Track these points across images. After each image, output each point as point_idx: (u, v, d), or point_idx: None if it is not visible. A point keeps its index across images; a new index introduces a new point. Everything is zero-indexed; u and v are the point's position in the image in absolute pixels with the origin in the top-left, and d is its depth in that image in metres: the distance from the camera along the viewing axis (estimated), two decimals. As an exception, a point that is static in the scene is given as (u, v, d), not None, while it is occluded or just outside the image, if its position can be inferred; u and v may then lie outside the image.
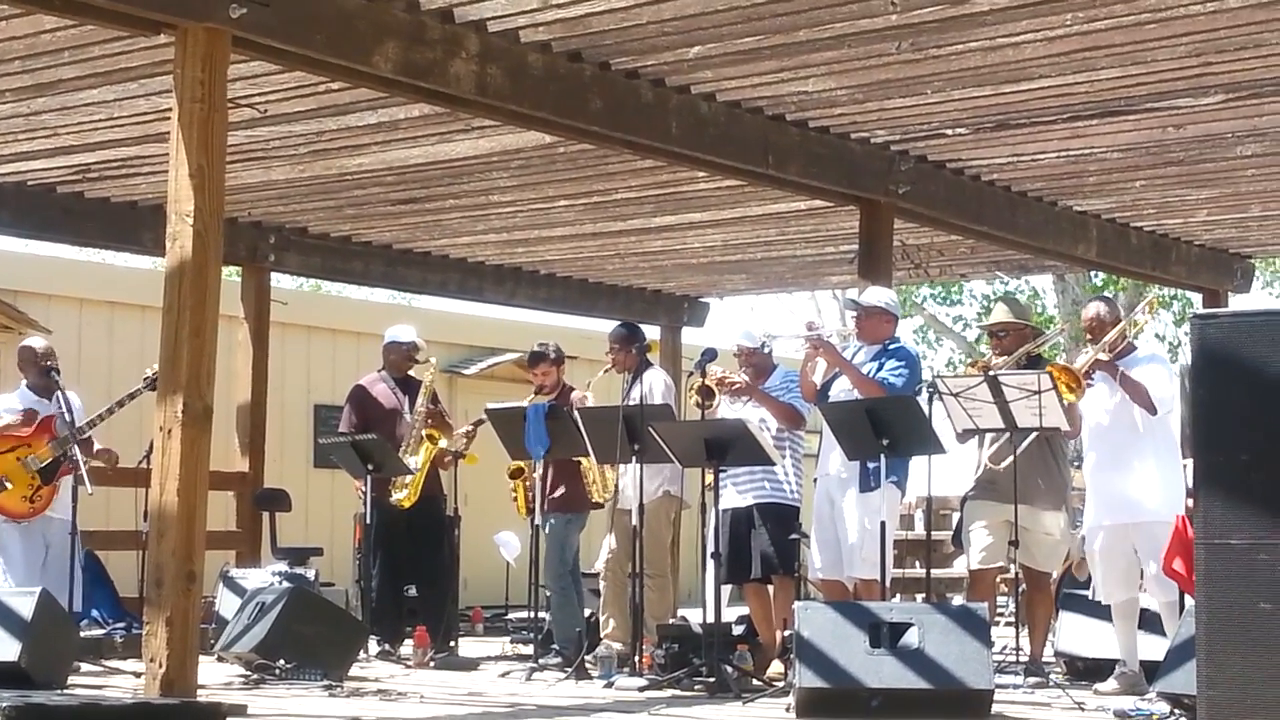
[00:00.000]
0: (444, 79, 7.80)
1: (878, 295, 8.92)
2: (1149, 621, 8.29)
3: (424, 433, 10.29)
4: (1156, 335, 25.53)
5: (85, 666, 8.85)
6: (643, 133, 8.80)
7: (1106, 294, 23.28)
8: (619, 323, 10.31)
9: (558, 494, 9.81)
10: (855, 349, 8.80)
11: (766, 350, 9.19)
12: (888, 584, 8.05)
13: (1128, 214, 12.00)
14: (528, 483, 9.95)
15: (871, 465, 8.14)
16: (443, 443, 10.35)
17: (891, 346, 8.68)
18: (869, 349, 8.71)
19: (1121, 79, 8.55)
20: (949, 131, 9.60)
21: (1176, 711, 6.84)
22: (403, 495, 10.24)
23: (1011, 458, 8.40)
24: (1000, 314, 9.34)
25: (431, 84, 7.86)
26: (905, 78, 8.54)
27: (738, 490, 8.94)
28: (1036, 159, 10.23)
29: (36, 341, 9.85)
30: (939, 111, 9.20)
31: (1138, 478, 8.13)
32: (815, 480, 8.75)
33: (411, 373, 10.83)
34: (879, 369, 8.52)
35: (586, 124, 8.59)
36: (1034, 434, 8.45)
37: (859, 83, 8.66)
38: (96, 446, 9.49)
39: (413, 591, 10.32)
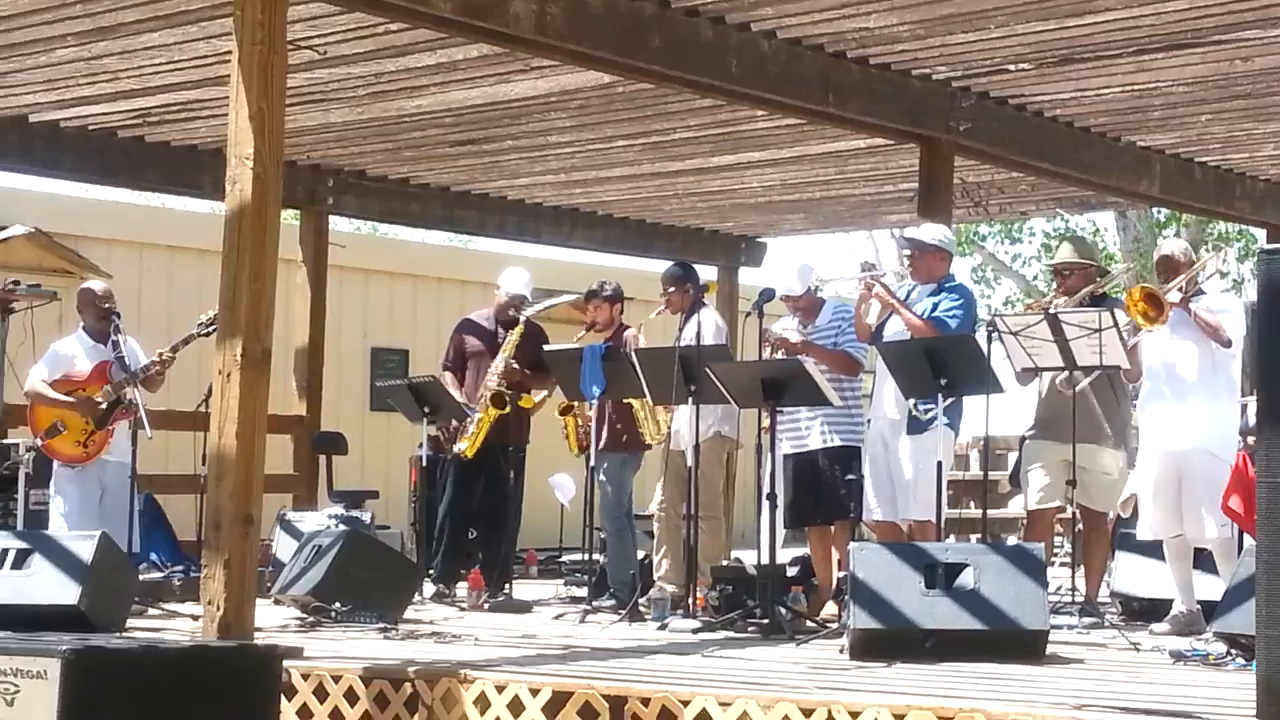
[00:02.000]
0: (503, 18, 7.77)
1: (932, 232, 8.79)
2: (1204, 561, 8.21)
3: (493, 391, 10.21)
4: (1220, 273, 25.24)
5: (144, 609, 8.92)
6: (702, 71, 8.73)
7: (1174, 234, 23.10)
8: (672, 262, 10.25)
9: (613, 435, 9.79)
10: (910, 287, 8.71)
11: (815, 290, 9.11)
12: (942, 525, 8.01)
13: (1192, 149, 11.84)
14: (579, 419, 9.93)
15: (922, 407, 8.08)
16: (511, 403, 10.28)
17: (947, 285, 8.60)
18: (924, 288, 8.62)
19: (1188, 10, 8.41)
20: (1012, 67, 9.48)
21: (1233, 652, 6.77)
22: (464, 446, 10.20)
23: (1085, 381, 8.32)
24: (1065, 253, 9.22)
25: (491, 24, 7.82)
26: (968, 12, 8.43)
27: (799, 437, 8.90)
28: (1100, 94, 10.09)
29: (96, 284, 9.90)
30: (1002, 46, 9.08)
31: (1190, 411, 7.99)
32: (869, 421, 8.70)
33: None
34: (934, 308, 8.44)
35: (646, 63, 8.54)
36: (1096, 373, 8.37)
37: (921, 18, 8.56)
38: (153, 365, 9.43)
39: (473, 534, 10.35)
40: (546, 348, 9.88)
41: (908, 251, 8.84)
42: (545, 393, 10.47)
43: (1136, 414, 8.82)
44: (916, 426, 8.19)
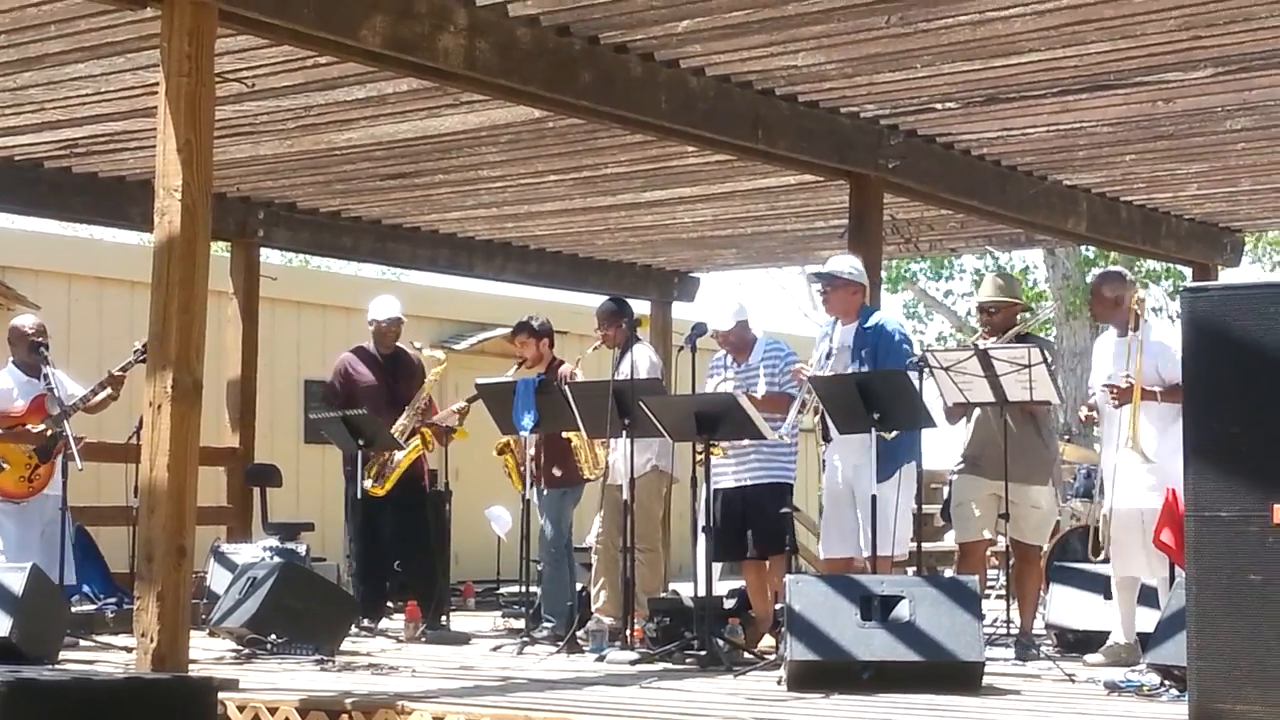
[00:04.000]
0: (432, 53, 7.78)
1: (842, 264, 8.73)
2: (1144, 595, 8.28)
3: (412, 429, 10.22)
4: (1154, 309, 25.53)
5: (76, 641, 8.84)
6: (632, 107, 8.77)
7: (1113, 269, 23.25)
8: (606, 298, 10.29)
9: (553, 468, 9.80)
10: (829, 324, 8.70)
11: (740, 323, 9.10)
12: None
13: (1118, 188, 12.00)
14: (517, 457, 9.95)
15: (888, 450, 8.11)
16: (434, 441, 10.32)
17: (874, 325, 8.54)
18: (846, 328, 8.63)
19: (1111, 53, 8.53)
20: (939, 106, 9.58)
21: (1166, 683, 6.85)
22: (375, 484, 10.19)
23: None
24: (990, 290, 9.29)
25: (419, 58, 7.83)
26: (895, 51, 8.52)
27: (733, 473, 8.93)
28: (1026, 133, 10.22)
29: (26, 320, 9.83)
30: (928, 86, 9.19)
31: (1152, 468, 7.96)
32: (823, 461, 8.69)
33: (406, 348, 10.78)
34: (874, 361, 8.41)
35: (575, 98, 8.56)
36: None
37: (848, 57, 8.65)
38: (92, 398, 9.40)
39: (398, 567, 10.33)
40: (479, 380, 9.89)
41: (819, 287, 8.81)
42: (455, 420, 10.49)
43: (1068, 448, 8.90)
44: (887, 471, 8.18)
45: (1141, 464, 7.86)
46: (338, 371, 10.77)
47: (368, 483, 10.18)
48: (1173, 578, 7.65)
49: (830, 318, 8.78)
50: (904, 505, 8.22)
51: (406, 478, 10.33)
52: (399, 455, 10.22)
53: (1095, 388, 8.39)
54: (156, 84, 6.99)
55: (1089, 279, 22.70)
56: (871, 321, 8.60)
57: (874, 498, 7.95)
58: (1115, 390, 7.99)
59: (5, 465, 9.23)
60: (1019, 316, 9.17)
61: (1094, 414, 8.39)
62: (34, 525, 9.26)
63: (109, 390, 9.36)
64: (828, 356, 8.62)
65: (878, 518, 7.99)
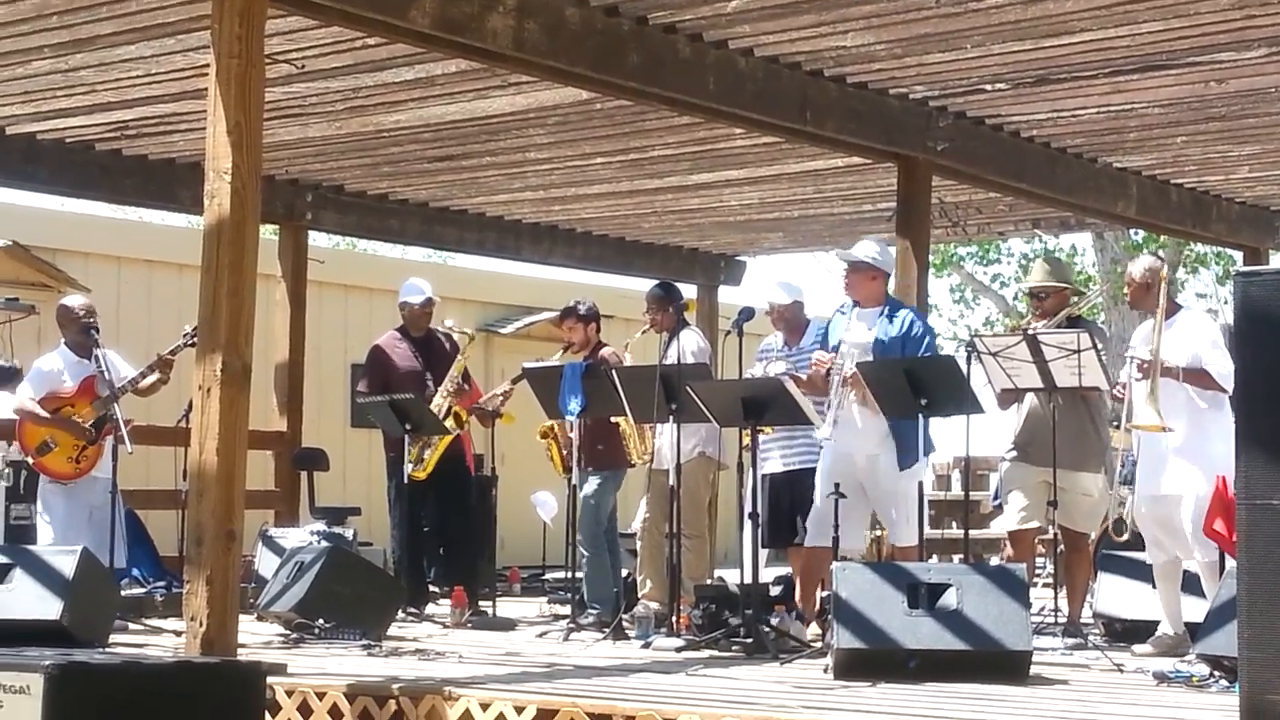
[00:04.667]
0: (481, 34, 7.77)
1: (864, 249, 8.66)
2: (1189, 583, 8.23)
3: (449, 407, 10.19)
4: (1198, 294, 25.35)
5: (126, 625, 8.89)
6: (680, 88, 8.74)
7: (1148, 253, 23.12)
8: (655, 282, 10.27)
9: (595, 453, 9.79)
10: (848, 311, 8.63)
11: (797, 302, 9.09)
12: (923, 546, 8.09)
13: (1168, 171, 11.90)
14: (560, 441, 9.93)
15: (908, 440, 8.11)
16: (468, 421, 10.30)
17: (899, 316, 8.49)
18: (865, 313, 8.56)
19: (1163, 33, 8.46)
20: (988, 87, 9.52)
21: (1216, 674, 6.79)
22: (417, 468, 10.16)
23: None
24: (1040, 275, 9.23)
25: (468, 39, 7.82)
26: (944, 32, 8.47)
27: (780, 457, 8.90)
28: (1076, 115, 10.14)
29: (74, 300, 9.86)
30: (978, 66, 9.12)
31: (1182, 455, 7.90)
32: (824, 447, 8.59)
33: (437, 328, 10.77)
34: (902, 345, 8.38)
35: (624, 80, 8.54)
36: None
37: (898, 37, 8.59)
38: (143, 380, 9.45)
39: (442, 552, 10.33)
40: (525, 364, 9.88)
41: (843, 269, 8.72)
42: (499, 400, 10.47)
43: (1118, 435, 8.83)
44: (908, 460, 8.17)
45: (1163, 446, 7.80)
46: (371, 361, 10.71)
47: (409, 466, 10.17)
48: (1223, 567, 7.58)
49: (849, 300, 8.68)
50: (912, 492, 8.25)
51: (449, 462, 10.29)
52: (436, 437, 10.19)
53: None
54: (207, 66, 7.00)
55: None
56: (899, 316, 8.53)
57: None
58: (1140, 363, 7.90)
59: (54, 445, 9.28)
60: (1070, 300, 9.09)
61: (1121, 394, 8.30)
62: (82, 507, 9.31)
63: (158, 374, 9.39)
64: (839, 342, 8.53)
65: (900, 507, 8.04)
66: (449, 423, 10.18)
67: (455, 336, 10.67)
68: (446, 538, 10.32)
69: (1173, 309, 8.20)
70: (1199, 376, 7.90)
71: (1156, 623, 8.23)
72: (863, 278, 8.57)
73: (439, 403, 10.22)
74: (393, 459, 10.27)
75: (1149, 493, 8.06)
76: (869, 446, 8.33)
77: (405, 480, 9.96)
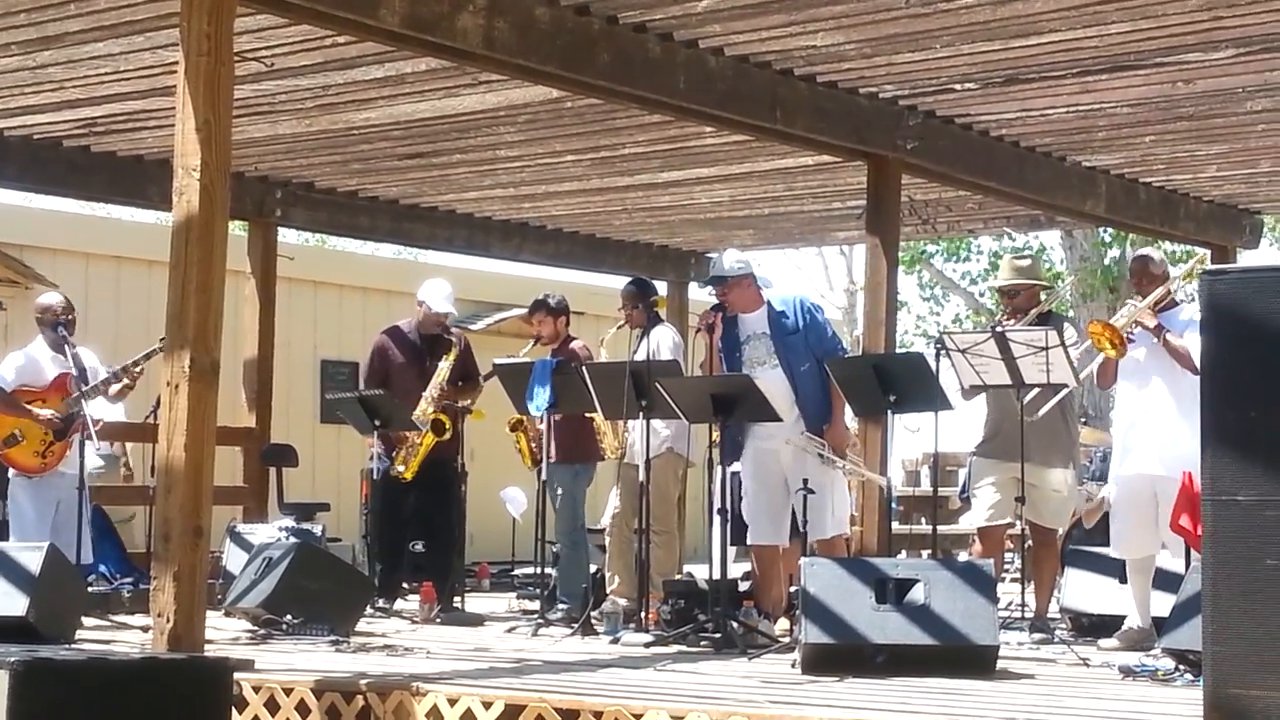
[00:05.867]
0: (451, 33, 7.76)
1: (730, 261, 8.75)
2: (1157, 578, 8.27)
3: (433, 413, 10.16)
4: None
5: (92, 621, 8.87)
6: (650, 87, 8.74)
7: (1120, 254, 23.19)
8: (629, 279, 10.27)
9: (565, 447, 9.79)
10: (729, 319, 8.65)
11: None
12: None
13: (1136, 169, 11.95)
14: (530, 434, 9.93)
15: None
16: (451, 427, 10.27)
17: (787, 303, 8.60)
18: (752, 320, 8.61)
19: (1131, 33, 8.49)
20: (958, 86, 9.54)
21: (1181, 667, 6.84)
22: (403, 469, 10.14)
23: (1050, 405, 8.38)
24: (1009, 273, 9.27)
25: (438, 38, 7.81)
26: (914, 32, 8.49)
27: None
28: (1045, 114, 10.18)
29: (48, 298, 9.85)
30: (948, 66, 9.15)
31: (1165, 434, 8.00)
32: (749, 445, 8.64)
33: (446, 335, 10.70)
34: (804, 345, 8.48)
35: (594, 78, 8.54)
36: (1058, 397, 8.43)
37: (867, 37, 8.61)
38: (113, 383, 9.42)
39: (419, 547, 10.31)
40: (496, 360, 9.87)
41: (715, 289, 8.70)
42: (469, 401, 10.45)
43: (1087, 431, 8.89)
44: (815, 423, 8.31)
45: (1172, 439, 7.84)
46: (376, 351, 10.64)
47: (400, 467, 10.14)
48: (1188, 562, 7.63)
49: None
50: (839, 483, 8.44)
51: (437, 459, 10.25)
52: (418, 438, 10.16)
53: (1122, 367, 8.33)
54: (175, 63, 6.97)
55: (1107, 261, 22.72)
56: (781, 302, 8.63)
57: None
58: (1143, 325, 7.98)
59: (21, 438, 9.26)
60: (1040, 297, 9.13)
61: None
62: (49, 502, 9.30)
63: (125, 381, 9.37)
64: (736, 347, 8.59)
65: (822, 500, 8.22)
66: (430, 428, 10.12)
67: (446, 336, 10.60)
68: (427, 532, 10.27)
69: (1171, 304, 8.28)
70: (1177, 349, 7.99)
71: (1123, 617, 8.28)
72: (740, 288, 8.65)
73: (423, 407, 10.18)
74: (379, 453, 10.22)
75: (1135, 471, 8.06)
76: (794, 438, 8.38)
77: (379, 475, 9.93)
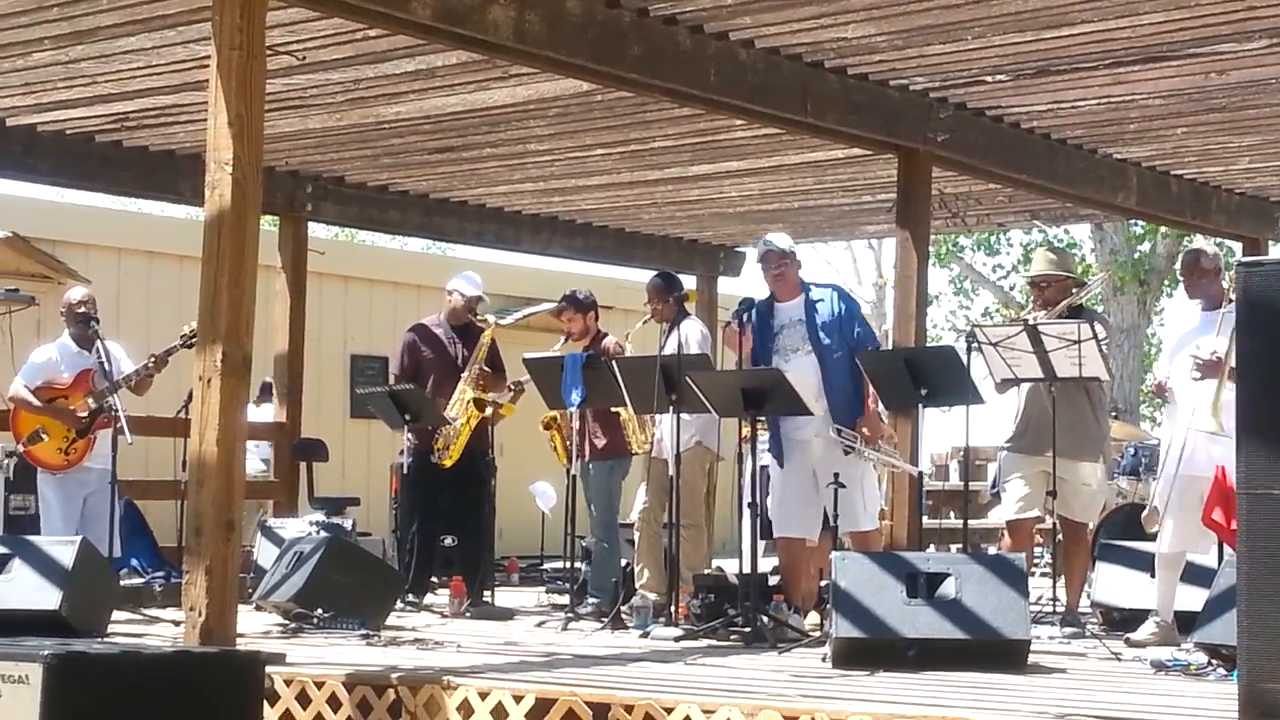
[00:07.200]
0: (482, 25, 7.76)
1: (786, 239, 8.78)
2: (1185, 572, 8.21)
3: (471, 397, 10.14)
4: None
5: (124, 615, 8.90)
6: (680, 80, 8.74)
7: (1150, 247, 23.05)
8: (655, 273, 10.25)
9: (601, 442, 9.79)
10: (762, 309, 8.62)
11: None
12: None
13: (1168, 161, 11.89)
14: (563, 432, 9.92)
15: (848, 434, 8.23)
16: (491, 406, 10.25)
17: (825, 294, 8.59)
18: (789, 307, 8.59)
19: (1164, 24, 8.45)
20: (989, 78, 9.51)
21: (1214, 662, 6.81)
22: (444, 456, 10.10)
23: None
24: (1042, 264, 9.21)
25: (469, 31, 7.82)
26: (945, 23, 8.47)
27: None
28: (1077, 106, 10.14)
29: (74, 292, 9.88)
30: (979, 58, 9.12)
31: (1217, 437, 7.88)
32: (776, 434, 8.63)
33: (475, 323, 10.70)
34: (838, 334, 8.45)
35: (624, 71, 8.53)
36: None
37: (899, 28, 8.59)
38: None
39: (449, 542, 10.31)
40: (526, 355, 9.87)
41: (774, 266, 8.65)
42: (507, 398, 10.44)
43: (1117, 425, 8.83)
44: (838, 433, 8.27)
45: (1216, 436, 7.70)
46: (405, 348, 10.59)
47: (441, 454, 10.11)
48: (1221, 556, 7.58)
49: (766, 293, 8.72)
50: (869, 477, 8.44)
51: (467, 452, 10.24)
52: (458, 423, 10.14)
53: (1168, 361, 8.22)
54: (207, 57, 6.99)
55: (1137, 255, 22.62)
56: (819, 295, 8.62)
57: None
58: (1201, 363, 7.82)
59: (45, 436, 9.31)
60: (1071, 290, 9.08)
61: (1167, 389, 8.12)
62: (75, 497, 9.34)
63: (143, 373, 9.38)
64: (771, 335, 8.57)
65: (853, 494, 8.17)
66: (471, 409, 10.10)
67: (477, 323, 10.57)
68: (458, 527, 10.26)
69: (1223, 300, 8.05)
70: None
71: (1151, 611, 8.20)
72: (795, 266, 8.66)
73: (462, 388, 10.16)
74: (414, 447, 10.17)
75: (1194, 472, 7.83)
76: (825, 430, 8.36)
77: (407, 470, 9.91)
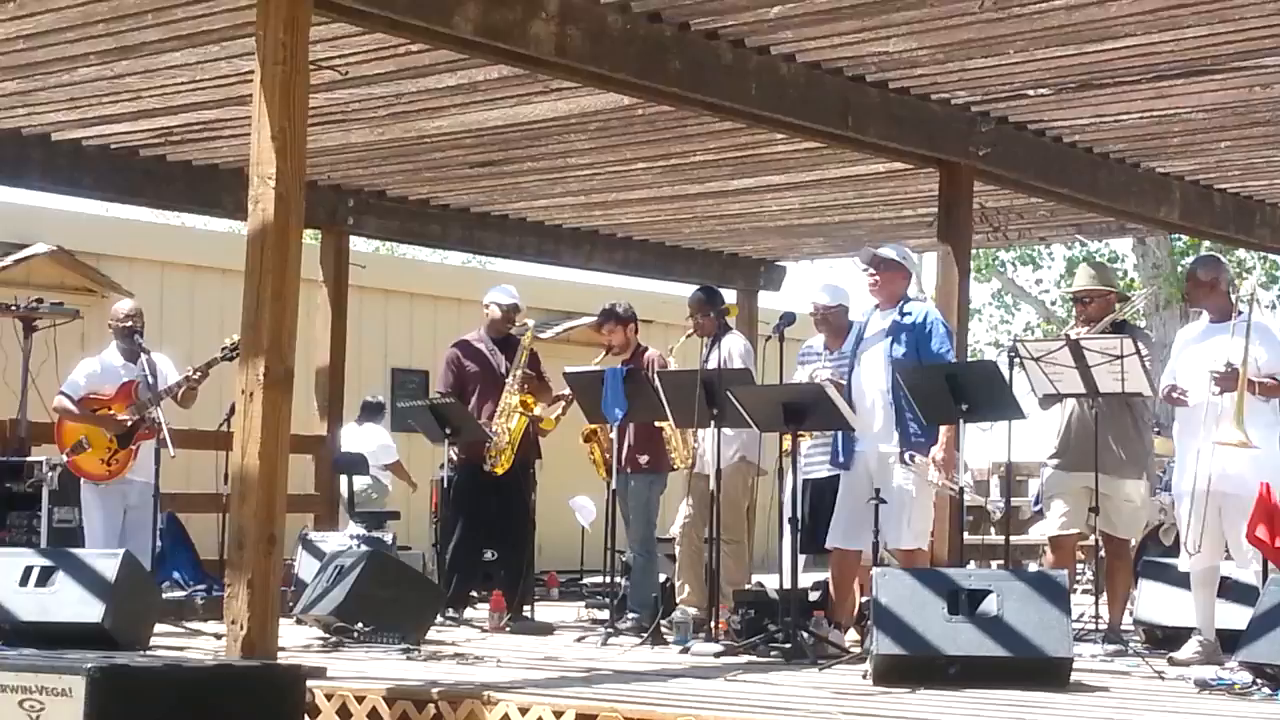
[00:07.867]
0: (523, 40, 7.79)
1: (894, 248, 8.74)
2: (1228, 590, 8.15)
3: (518, 400, 10.15)
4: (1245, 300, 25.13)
5: (165, 628, 8.93)
6: (722, 94, 8.75)
7: (1208, 254, 22.89)
8: (698, 287, 10.25)
9: (640, 456, 9.78)
10: (867, 313, 8.62)
11: (842, 306, 9.09)
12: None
13: (1211, 175, 11.82)
14: (603, 445, 9.91)
15: (918, 442, 8.12)
16: (538, 410, 10.24)
17: (915, 314, 8.46)
18: (883, 314, 8.53)
19: (1208, 37, 8.41)
20: (1031, 92, 9.49)
21: (1259, 681, 6.74)
22: (495, 463, 10.07)
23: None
24: (1085, 279, 9.18)
25: (511, 45, 7.85)
26: (987, 37, 8.44)
27: (825, 462, 8.88)
28: (1120, 120, 10.09)
29: (122, 305, 9.94)
30: (1021, 72, 9.09)
31: (1234, 449, 7.83)
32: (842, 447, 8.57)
33: (513, 333, 10.72)
34: (916, 350, 8.35)
35: (666, 85, 8.54)
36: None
37: (940, 42, 8.58)
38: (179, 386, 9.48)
39: (489, 556, 10.30)
40: (567, 369, 9.88)
41: (871, 270, 8.63)
42: (559, 410, 10.44)
43: (1160, 441, 8.76)
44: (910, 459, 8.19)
45: (1237, 450, 7.64)
46: (449, 363, 10.53)
47: (493, 462, 10.08)
48: (1265, 574, 7.52)
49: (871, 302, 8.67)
50: (922, 495, 8.25)
51: (520, 461, 10.18)
52: (502, 437, 10.12)
53: (1177, 373, 8.18)
54: (251, 72, 7.03)
55: (1180, 268, 22.49)
56: (912, 309, 8.51)
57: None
58: (1219, 377, 7.77)
59: (88, 446, 9.35)
60: (1114, 305, 9.04)
61: (1181, 397, 8.08)
62: (115, 509, 9.37)
63: (185, 385, 9.42)
64: (859, 345, 8.54)
65: (899, 511, 8.08)
66: (517, 414, 10.09)
67: (515, 330, 10.58)
68: (499, 541, 10.24)
69: (1232, 311, 8.05)
70: (1272, 388, 7.78)
71: (1194, 630, 8.14)
72: (896, 276, 8.59)
73: (506, 396, 10.17)
74: (459, 461, 10.09)
75: (1217, 488, 7.78)
76: (884, 444, 8.31)
77: (447, 483, 9.92)
